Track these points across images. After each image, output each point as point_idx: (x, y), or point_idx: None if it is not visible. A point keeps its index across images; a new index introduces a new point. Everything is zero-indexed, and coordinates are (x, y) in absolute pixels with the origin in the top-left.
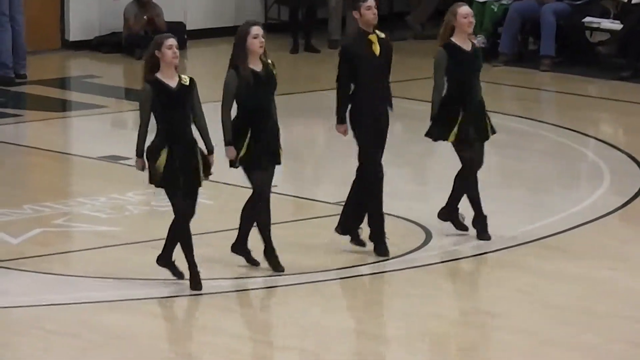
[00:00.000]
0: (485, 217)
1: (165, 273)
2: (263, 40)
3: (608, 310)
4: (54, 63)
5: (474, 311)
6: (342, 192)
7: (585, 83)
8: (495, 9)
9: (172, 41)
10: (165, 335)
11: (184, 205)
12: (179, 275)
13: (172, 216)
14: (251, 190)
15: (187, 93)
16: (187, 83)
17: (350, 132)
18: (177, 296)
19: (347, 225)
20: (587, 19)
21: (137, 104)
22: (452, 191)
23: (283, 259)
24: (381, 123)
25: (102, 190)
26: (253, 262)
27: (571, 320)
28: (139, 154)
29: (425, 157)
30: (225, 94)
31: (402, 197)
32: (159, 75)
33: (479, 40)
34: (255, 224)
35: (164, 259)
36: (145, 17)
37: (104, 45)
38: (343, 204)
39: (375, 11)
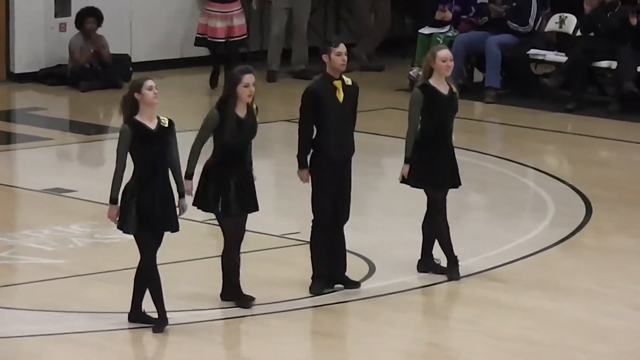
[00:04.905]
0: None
1: (109, 306)
2: (253, 89)
3: (553, 341)
4: None
5: (420, 343)
6: (284, 225)
7: (530, 115)
8: (441, 41)
9: (151, 82)
10: None
11: (154, 251)
12: (149, 320)
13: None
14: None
15: (166, 135)
16: (167, 125)
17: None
18: (122, 329)
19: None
20: (532, 50)
21: (82, 136)
22: (424, 241)
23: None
24: (342, 171)
25: (46, 222)
26: (247, 304)
27: (517, 351)
28: (113, 200)
29: (364, 188)
30: (202, 129)
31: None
32: (137, 117)
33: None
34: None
35: (136, 314)
36: (91, 49)
37: (49, 77)
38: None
39: (345, 58)
